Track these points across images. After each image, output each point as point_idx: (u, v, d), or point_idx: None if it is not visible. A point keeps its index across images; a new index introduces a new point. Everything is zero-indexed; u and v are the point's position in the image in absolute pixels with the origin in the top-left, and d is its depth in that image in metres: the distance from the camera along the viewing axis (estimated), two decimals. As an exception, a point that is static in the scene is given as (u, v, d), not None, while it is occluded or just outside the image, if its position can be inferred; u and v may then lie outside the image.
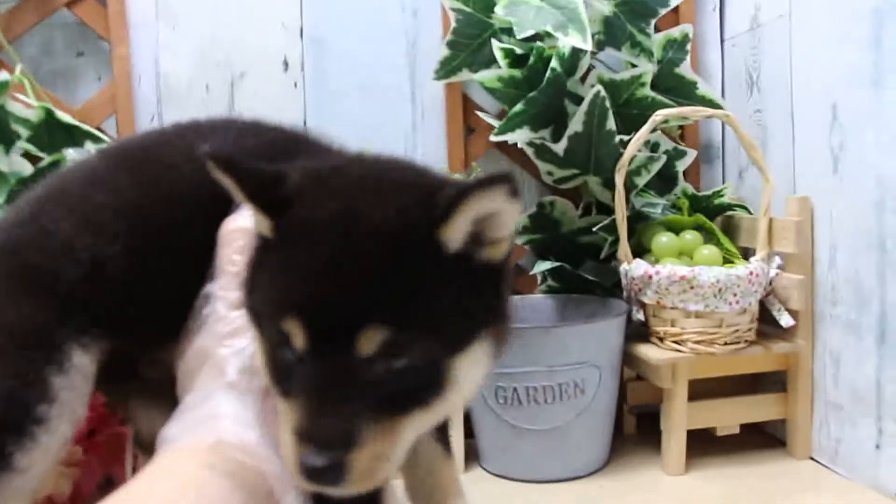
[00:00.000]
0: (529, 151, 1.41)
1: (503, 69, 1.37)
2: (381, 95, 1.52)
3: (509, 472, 1.29)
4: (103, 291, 0.68)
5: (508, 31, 1.38)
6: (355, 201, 0.58)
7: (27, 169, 1.27)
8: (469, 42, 1.42)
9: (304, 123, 1.48)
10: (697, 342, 1.27)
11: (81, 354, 0.67)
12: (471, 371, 0.60)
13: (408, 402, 0.57)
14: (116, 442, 1.25)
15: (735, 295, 1.24)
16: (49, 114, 1.27)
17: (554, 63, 1.33)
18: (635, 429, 1.48)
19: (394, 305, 0.55)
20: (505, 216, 0.58)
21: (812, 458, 1.32)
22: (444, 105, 1.51)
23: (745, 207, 1.45)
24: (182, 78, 1.47)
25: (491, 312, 0.62)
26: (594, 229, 1.40)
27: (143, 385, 0.83)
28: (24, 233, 0.71)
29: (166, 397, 0.72)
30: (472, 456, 1.35)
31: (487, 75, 1.36)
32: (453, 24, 1.42)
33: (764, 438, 1.42)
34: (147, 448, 0.84)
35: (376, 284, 0.55)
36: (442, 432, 0.80)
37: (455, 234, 0.57)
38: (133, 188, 0.72)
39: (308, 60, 1.50)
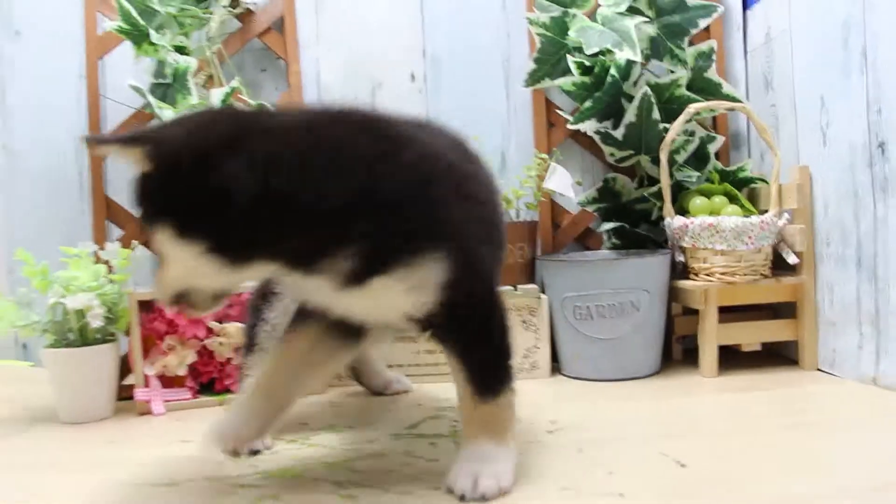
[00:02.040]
0: (596, 138, 1.87)
1: (576, 77, 1.83)
2: (482, 98, 2.01)
3: (582, 374, 1.73)
4: None
5: (578, 49, 1.84)
6: None
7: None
8: (550, 57, 1.88)
9: (425, 121, 1.99)
10: (723, 274, 1.70)
11: None
12: None
13: None
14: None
15: (750, 237, 1.67)
16: (262, 108, 1.77)
17: (613, 71, 1.79)
18: (681, 355, 1.88)
19: None
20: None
21: (819, 370, 1.70)
22: (531, 105, 1.98)
23: (764, 180, 1.87)
24: (336, 87, 1.97)
25: None
26: (645, 194, 1.85)
27: None
28: None
29: None
30: (555, 366, 1.79)
31: (565, 81, 1.83)
32: (538, 45, 1.88)
33: (780, 359, 1.80)
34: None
35: None
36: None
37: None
38: None
39: (429, 74, 2.00)
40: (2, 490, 1.13)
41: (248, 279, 1.02)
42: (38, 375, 1.87)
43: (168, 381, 1.60)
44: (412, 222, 0.97)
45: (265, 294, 1.41)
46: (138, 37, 1.68)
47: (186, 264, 0.96)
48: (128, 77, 1.85)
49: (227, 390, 1.62)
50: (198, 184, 0.90)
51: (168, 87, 1.68)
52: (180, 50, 1.73)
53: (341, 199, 0.94)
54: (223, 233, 0.92)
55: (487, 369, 1.07)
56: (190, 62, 1.67)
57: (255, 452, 1.23)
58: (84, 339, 1.52)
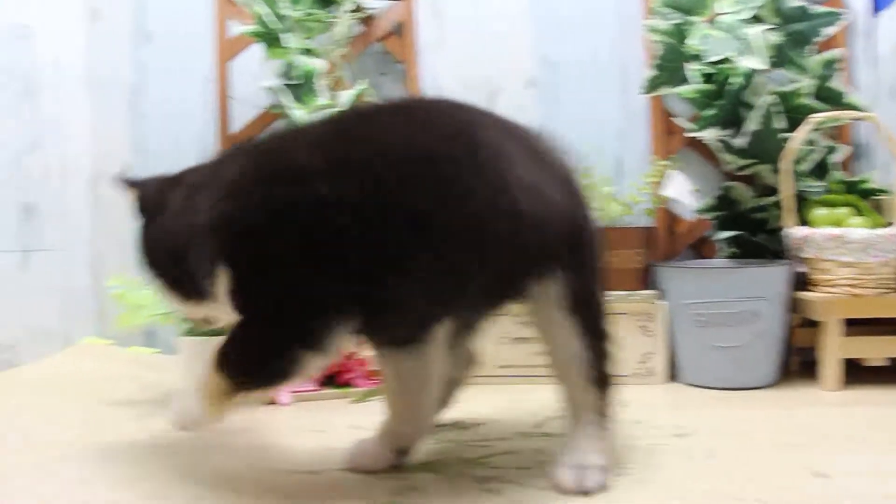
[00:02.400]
0: (715, 146, 1.86)
1: (697, 84, 1.82)
2: (598, 105, 2.02)
3: (700, 381, 1.72)
4: None
5: (697, 57, 1.84)
6: None
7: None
8: (669, 65, 1.88)
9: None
10: (848, 286, 1.67)
11: None
12: None
13: None
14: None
15: (878, 250, 1.64)
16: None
17: (735, 79, 1.78)
18: (799, 368, 1.83)
19: None
20: None
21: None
22: (648, 112, 1.98)
23: (888, 191, 1.83)
24: (453, 92, 2.00)
25: None
26: (765, 204, 1.83)
27: None
28: None
29: None
30: (673, 373, 1.78)
31: (686, 89, 1.83)
32: (657, 52, 1.88)
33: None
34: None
35: None
36: None
37: None
38: None
39: (546, 80, 2.01)
40: (148, 471, 1.17)
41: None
42: (164, 362, 1.95)
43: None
44: None
45: None
46: (270, 40, 1.74)
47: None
48: (252, 80, 1.92)
49: (349, 384, 1.66)
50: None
51: (297, 88, 1.73)
52: (307, 53, 1.78)
53: None
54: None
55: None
56: (319, 64, 1.72)
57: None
58: (217, 328, 1.58)
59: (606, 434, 1.10)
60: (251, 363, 1.04)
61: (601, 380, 1.09)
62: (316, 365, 1.01)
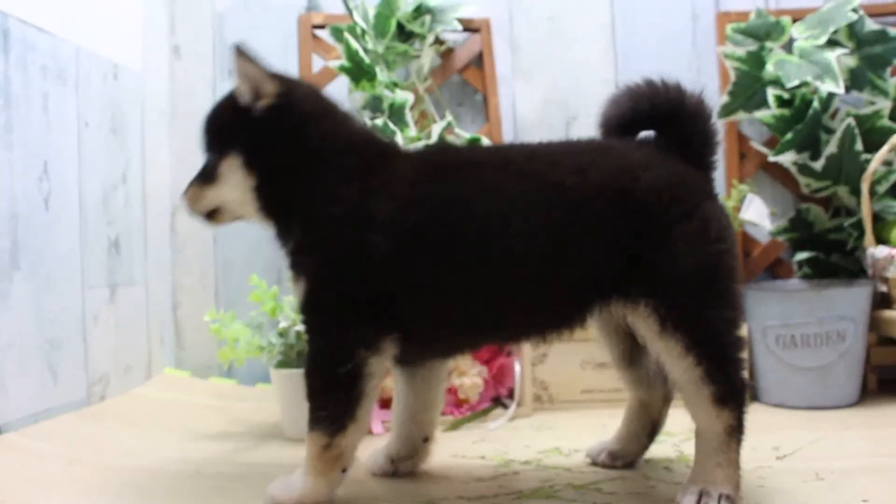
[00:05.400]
0: (792, 169, 1.89)
1: (774, 109, 1.85)
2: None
3: (784, 402, 1.75)
4: None
5: (773, 82, 1.87)
6: None
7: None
8: (744, 90, 1.91)
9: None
10: (931, 305, 1.69)
11: None
12: None
13: None
14: (505, 369, 1.78)
15: (963, 270, 1.66)
16: (474, 141, 1.86)
17: (815, 104, 1.81)
18: (877, 386, 1.86)
19: None
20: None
21: None
22: (723, 137, 2.01)
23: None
24: (531, 119, 2.05)
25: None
26: (844, 225, 1.86)
27: None
28: None
29: None
30: (752, 394, 1.81)
31: (765, 114, 1.86)
32: (733, 79, 1.92)
33: None
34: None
35: None
36: None
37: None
38: None
39: (621, 106, 2.05)
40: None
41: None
42: (244, 393, 2.00)
43: (384, 403, 1.68)
44: None
45: None
46: (358, 74, 1.79)
47: (237, 190, 1.20)
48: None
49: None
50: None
51: (387, 121, 1.78)
52: (392, 86, 1.83)
53: None
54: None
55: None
56: (407, 97, 1.78)
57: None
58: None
59: (732, 457, 1.10)
60: (324, 380, 1.12)
61: (722, 398, 1.09)
62: (378, 370, 1.12)
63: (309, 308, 1.15)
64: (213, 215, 1.26)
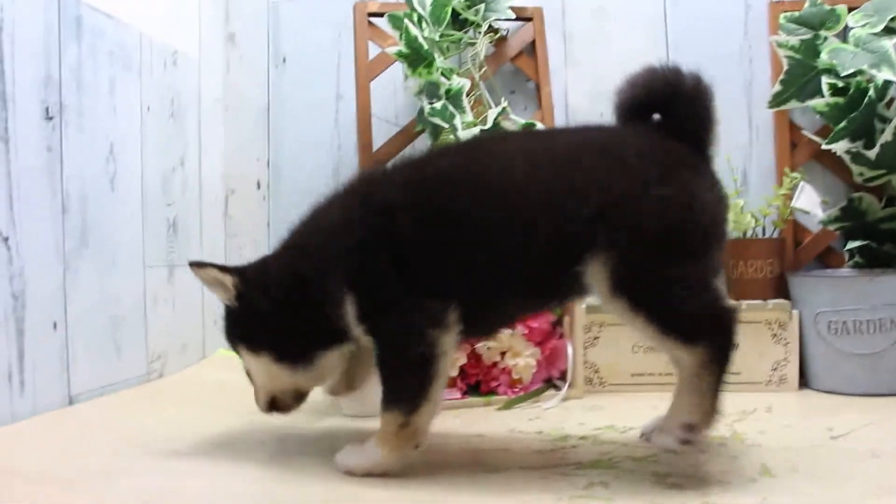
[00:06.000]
0: (846, 157, 1.89)
1: (828, 98, 1.86)
2: (724, 119, 2.03)
3: (835, 388, 1.75)
4: None
5: (828, 71, 1.87)
6: None
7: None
8: (797, 79, 1.92)
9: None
10: (985, 294, 1.69)
11: None
12: None
13: None
14: (557, 351, 1.80)
15: None
16: (529, 126, 1.89)
17: (871, 92, 1.81)
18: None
19: None
20: None
21: None
22: (773, 126, 2.02)
23: None
24: (581, 108, 2.07)
25: None
26: (895, 214, 1.86)
27: None
28: None
29: None
30: (802, 380, 1.82)
31: (819, 102, 1.86)
32: (785, 67, 1.92)
33: None
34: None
35: None
36: None
37: None
38: None
39: (674, 94, 2.07)
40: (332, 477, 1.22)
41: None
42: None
43: (438, 381, 1.72)
44: None
45: None
46: (416, 60, 1.83)
47: (264, 374, 1.27)
48: (388, 100, 2.01)
49: (493, 392, 1.73)
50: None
51: (445, 107, 1.81)
52: (448, 73, 1.86)
53: None
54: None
55: None
56: (464, 83, 1.81)
57: None
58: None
59: (703, 386, 1.12)
60: (403, 366, 1.16)
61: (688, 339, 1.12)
62: (449, 347, 1.15)
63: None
64: (275, 404, 1.33)
